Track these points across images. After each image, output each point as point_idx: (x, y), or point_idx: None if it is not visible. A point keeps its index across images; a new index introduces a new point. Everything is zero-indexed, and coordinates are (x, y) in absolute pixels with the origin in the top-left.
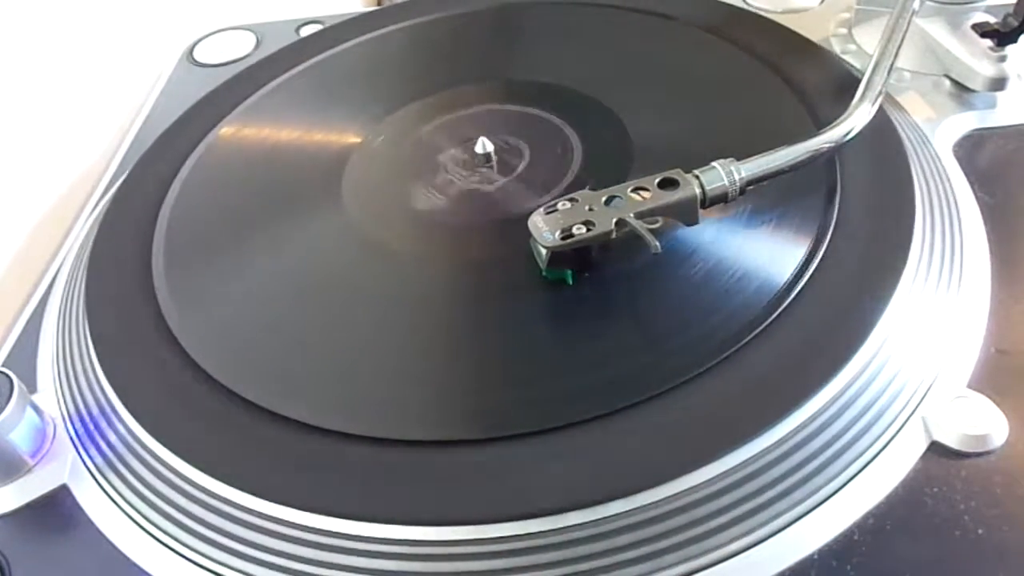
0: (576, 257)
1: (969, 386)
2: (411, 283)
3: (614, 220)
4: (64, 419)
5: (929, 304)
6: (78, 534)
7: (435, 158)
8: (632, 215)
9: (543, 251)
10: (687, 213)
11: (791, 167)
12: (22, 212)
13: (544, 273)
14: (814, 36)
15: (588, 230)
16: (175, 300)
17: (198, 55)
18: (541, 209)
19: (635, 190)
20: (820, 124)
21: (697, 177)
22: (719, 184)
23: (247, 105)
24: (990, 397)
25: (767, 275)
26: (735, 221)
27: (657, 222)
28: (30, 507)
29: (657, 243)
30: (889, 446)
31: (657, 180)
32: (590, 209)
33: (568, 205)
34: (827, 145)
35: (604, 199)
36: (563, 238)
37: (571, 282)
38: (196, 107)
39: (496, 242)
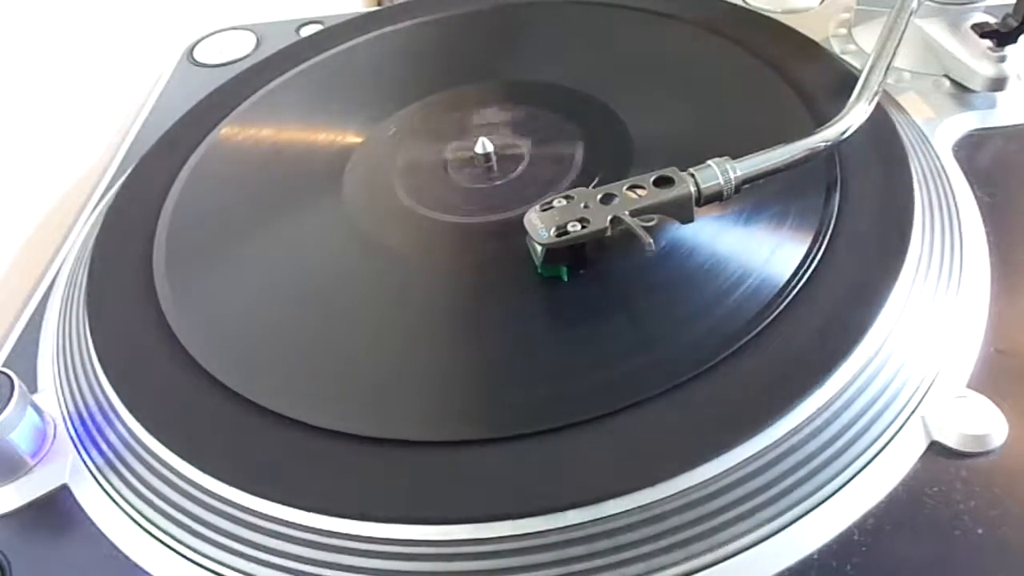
0: (571, 254)
1: (969, 386)
2: (411, 283)
3: (609, 218)
4: (64, 419)
5: (929, 304)
6: (78, 534)
7: (435, 158)
8: (627, 213)
9: (538, 248)
10: (682, 211)
11: (787, 166)
12: (22, 212)
13: (539, 270)
14: (814, 36)
15: (583, 227)
16: (176, 300)
17: (198, 55)
18: (537, 206)
19: (631, 188)
20: (819, 124)
21: (692, 175)
22: (714, 183)
23: (247, 105)
24: (990, 397)
25: (766, 274)
26: (735, 220)
27: (652, 220)
28: (30, 507)
29: (651, 241)
30: (889, 446)
31: (653, 178)
32: (585, 206)
33: (563, 202)
34: (823, 144)
35: (600, 196)
36: (558, 235)
37: (566, 279)
38: (197, 107)
39: (496, 241)
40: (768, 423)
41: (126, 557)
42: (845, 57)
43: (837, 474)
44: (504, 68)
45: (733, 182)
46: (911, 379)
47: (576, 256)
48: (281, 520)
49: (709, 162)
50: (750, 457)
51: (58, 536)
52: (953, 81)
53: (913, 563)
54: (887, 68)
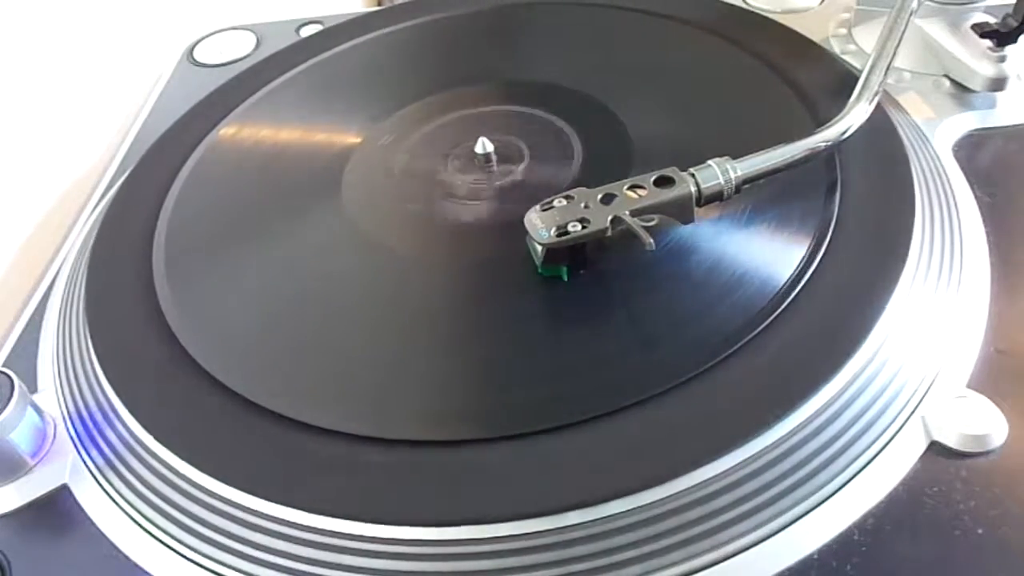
0: (571, 254)
1: (969, 386)
2: (410, 283)
3: (609, 218)
4: (64, 419)
5: (929, 304)
6: (78, 534)
7: (435, 158)
8: (627, 213)
9: (538, 248)
10: (682, 211)
11: (787, 166)
12: (22, 212)
13: (539, 270)
14: (814, 36)
15: (583, 227)
16: (175, 300)
17: (198, 55)
18: (537, 206)
19: (631, 188)
20: (819, 124)
21: (693, 175)
22: (714, 183)
23: (247, 106)
24: (990, 397)
25: (767, 274)
26: (735, 220)
27: (653, 220)
28: (30, 507)
29: (651, 241)
30: (889, 446)
31: (653, 178)
32: (586, 206)
33: (564, 202)
34: (823, 144)
35: (600, 196)
36: (558, 235)
37: (566, 279)
38: (197, 107)
39: (496, 242)
40: (768, 424)
41: (126, 557)
42: (845, 57)
43: (837, 474)
44: (504, 68)
45: (733, 182)
46: (911, 379)
47: (576, 256)
48: (281, 520)
49: (709, 162)
50: (750, 457)
51: (58, 536)
52: (953, 81)
53: (913, 563)
54: (887, 68)
